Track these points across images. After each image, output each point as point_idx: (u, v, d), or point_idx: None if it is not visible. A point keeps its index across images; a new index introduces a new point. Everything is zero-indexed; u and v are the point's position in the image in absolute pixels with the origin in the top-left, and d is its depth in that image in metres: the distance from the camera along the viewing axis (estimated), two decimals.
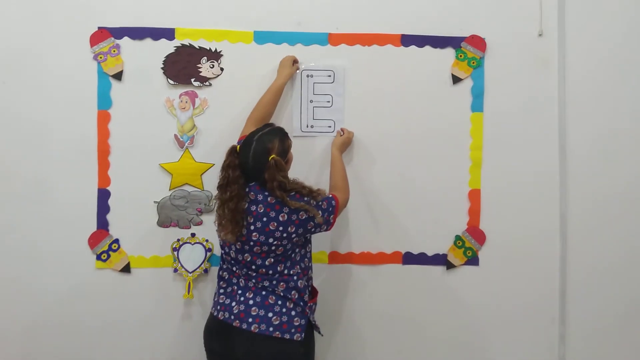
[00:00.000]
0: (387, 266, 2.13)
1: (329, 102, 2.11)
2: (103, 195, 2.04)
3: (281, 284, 1.67)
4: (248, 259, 1.67)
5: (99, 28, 2.04)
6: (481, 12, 2.12)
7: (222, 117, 2.07)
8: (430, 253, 2.13)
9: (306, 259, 1.79)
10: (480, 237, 2.13)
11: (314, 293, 1.83)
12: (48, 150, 2.04)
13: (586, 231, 2.14)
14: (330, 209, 1.73)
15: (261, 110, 1.96)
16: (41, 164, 2.04)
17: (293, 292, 1.68)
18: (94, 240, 2.04)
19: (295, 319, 1.66)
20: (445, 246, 2.13)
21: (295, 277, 1.69)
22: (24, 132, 2.03)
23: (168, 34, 2.06)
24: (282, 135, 1.74)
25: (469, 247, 2.13)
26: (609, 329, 2.16)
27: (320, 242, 2.10)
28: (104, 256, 2.04)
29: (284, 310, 1.66)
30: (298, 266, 1.72)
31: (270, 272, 1.67)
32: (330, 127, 2.10)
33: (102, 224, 2.04)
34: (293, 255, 1.72)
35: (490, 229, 2.13)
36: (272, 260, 1.67)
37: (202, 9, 2.07)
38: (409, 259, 2.13)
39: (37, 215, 2.04)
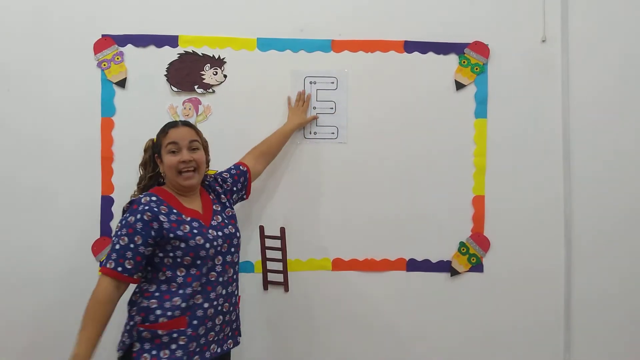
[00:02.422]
0: (391, 273, 2.12)
1: (332, 108, 2.11)
2: (106, 202, 2.04)
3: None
4: None
5: (103, 35, 2.05)
6: (484, 19, 2.13)
7: (226, 124, 2.07)
8: (434, 260, 2.12)
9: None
10: (484, 244, 2.12)
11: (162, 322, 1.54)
12: (51, 157, 2.04)
13: (591, 237, 2.13)
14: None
15: (265, 147, 1.97)
16: (45, 171, 2.04)
17: (128, 306, 1.59)
18: (97, 247, 2.04)
19: (125, 334, 1.56)
20: (450, 253, 2.13)
21: (135, 290, 1.61)
22: (28, 139, 2.03)
23: (171, 41, 2.06)
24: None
25: (473, 253, 2.12)
26: (614, 336, 2.14)
27: (324, 249, 2.09)
28: None
29: (125, 323, 1.58)
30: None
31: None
32: (333, 133, 2.10)
33: (106, 231, 2.04)
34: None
35: (495, 235, 2.12)
36: None
37: (205, 16, 2.08)
38: (413, 265, 2.12)
39: (40, 222, 2.03)
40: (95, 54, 2.04)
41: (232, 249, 1.66)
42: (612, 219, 2.13)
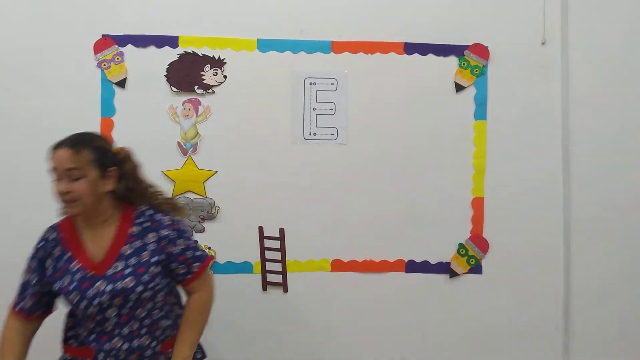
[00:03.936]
0: (390, 274, 2.12)
1: (331, 109, 2.11)
2: None
3: None
4: None
5: (103, 36, 2.05)
6: (484, 20, 2.13)
7: (225, 124, 2.07)
8: (433, 261, 2.13)
9: None
10: (483, 246, 2.13)
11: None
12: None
13: (590, 239, 2.13)
14: None
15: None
16: (44, 172, 2.03)
17: None
18: None
19: None
20: (449, 254, 2.13)
21: None
22: (28, 139, 2.03)
23: (171, 41, 2.06)
24: None
25: (472, 255, 2.12)
26: (613, 338, 2.15)
27: (323, 250, 2.10)
28: None
29: None
30: None
31: None
32: (333, 134, 2.10)
33: None
34: None
35: (494, 237, 2.13)
36: None
37: (205, 16, 2.08)
38: (412, 267, 2.12)
39: (40, 223, 2.02)
40: (95, 54, 2.05)
41: (130, 304, 1.39)
42: (610, 221, 2.13)
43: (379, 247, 2.11)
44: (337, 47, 2.11)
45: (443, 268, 2.13)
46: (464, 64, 2.12)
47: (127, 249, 1.42)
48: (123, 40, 2.06)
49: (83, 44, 2.04)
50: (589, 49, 2.14)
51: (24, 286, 1.46)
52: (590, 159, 2.13)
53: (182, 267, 1.48)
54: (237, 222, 2.06)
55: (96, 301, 1.37)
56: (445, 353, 2.13)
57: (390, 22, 2.12)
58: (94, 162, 1.40)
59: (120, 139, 2.03)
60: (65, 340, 1.50)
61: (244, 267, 2.07)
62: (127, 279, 1.39)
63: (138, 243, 1.43)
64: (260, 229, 2.08)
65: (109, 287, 1.37)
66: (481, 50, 2.12)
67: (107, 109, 2.05)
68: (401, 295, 2.12)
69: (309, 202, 2.09)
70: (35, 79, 2.03)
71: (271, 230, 2.08)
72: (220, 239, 2.07)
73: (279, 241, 2.08)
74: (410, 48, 2.12)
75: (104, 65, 2.05)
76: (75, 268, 1.40)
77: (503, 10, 2.14)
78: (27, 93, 2.03)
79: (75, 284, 1.38)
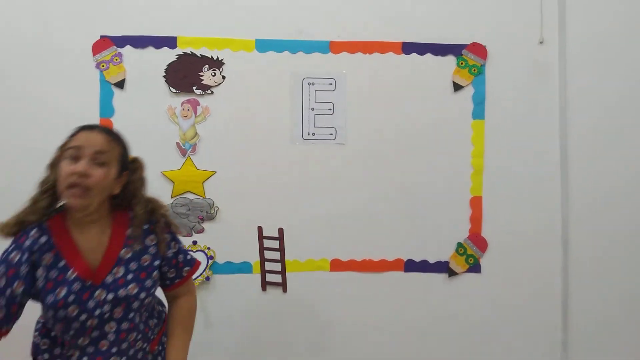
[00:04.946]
0: (389, 273, 2.13)
1: (330, 109, 2.11)
2: None
3: None
4: None
5: (102, 37, 2.05)
6: (482, 20, 2.13)
7: (224, 124, 2.07)
8: (432, 260, 2.13)
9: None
10: (482, 244, 2.13)
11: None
12: (50, 158, 2.03)
13: (588, 237, 2.14)
14: None
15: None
16: (44, 172, 2.04)
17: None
18: None
19: None
20: (447, 253, 2.13)
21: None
22: (26, 140, 2.03)
23: (170, 42, 2.07)
24: None
25: (471, 254, 2.13)
26: (610, 336, 2.15)
27: (322, 250, 2.10)
28: None
29: None
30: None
31: None
32: (331, 134, 2.11)
33: None
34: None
35: (492, 236, 2.13)
36: None
37: (204, 17, 2.08)
38: (411, 266, 2.13)
39: None
40: (93, 55, 2.05)
41: (132, 314, 1.29)
42: (609, 219, 2.14)
43: (377, 247, 2.12)
44: (335, 47, 2.11)
45: (442, 267, 2.13)
46: (462, 64, 2.12)
47: (125, 253, 1.29)
48: (122, 41, 2.06)
49: (82, 44, 2.04)
50: (587, 48, 2.14)
51: None
52: (588, 157, 2.14)
53: (172, 272, 1.40)
54: (236, 222, 2.06)
55: (97, 312, 1.23)
56: (444, 352, 2.14)
57: (388, 22, 2.12)
58: (119, 158, 1.30)
59: None
60: (34, 354, 1.32)
61: (243, 267, 2.08)
62: (130, 286, 1.27)
63: (137, 247, 1.31)
64: (260, 229, 2.08)
65: (110, 296, 1.25)
66: (479, 50, 2.12)
67: (106, 109, 2.05)
68: (400, 294, 2.12)
69: (308, 202, 2.10)
70: (34, 80, 2.04)
71: (270, 230, 2.08)
72: (220, 239, 2.07)
73: (278, 241, 2.09)
74: (408, 48, 2.12)
75: (103, 66, 2.05)
76: (72, 277, 1.22)
77: (501, 9, 2.14)
78: (26, 94, 2.03)
79: (74, 296, 1.21)
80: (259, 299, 2.09)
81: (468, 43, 2.12)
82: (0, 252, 1.25)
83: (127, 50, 2.06)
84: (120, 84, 2.05)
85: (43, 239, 1.24)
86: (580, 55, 2.14)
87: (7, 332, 1.22)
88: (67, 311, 1.21)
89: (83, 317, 1.22)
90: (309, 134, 2.11)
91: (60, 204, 1.30)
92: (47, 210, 1.28)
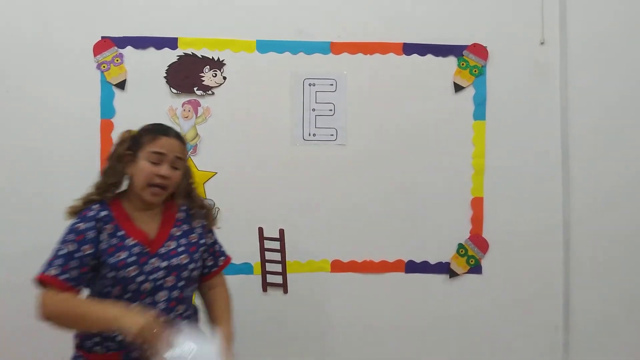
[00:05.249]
0: (389, 274, 2.12)
1: (331, 110, 2.11)
2: None
3: None
4: None
5: (102, 37, 2.05)
6: (483, 21, 2.13)
7: (225, 125, 2.07)
8: (432, 261, 2.13)
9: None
10: (483, 245, 2.13)
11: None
12: (51, 159, 2.04)
13: (589, 238, 2.14)
14: None
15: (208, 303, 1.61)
16: (44, 173, 2.04)
17: None
18: None
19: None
20: (448, 254, 2.13)
21: None
22: (27, 141, 2.03)
23: (171, 43, 2.07)
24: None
25: (472, 255, 2.12)
26: (611, 337, 2.15)
27: (323, 251, 2.10)
28: None
29: None
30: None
31: None
32: (332, 135, 2.11)
33: None
34: None
35: (493, 237, 2.13)
36: None
37: (204, 18, 2.08)
38: (412, 267, 2.12)
39: (39, 223, 2.03)
40: (94, 55, 2.05)
41: (181, 283, 1.43)
42: (611, 220, 2.14)
43: (378, 248, 2.12)
44: (336, 48, 2.11)
45: (443, 268, 2.13)
46: (462, 64, 2.12)
47: (175, 231, 1.47)
48: (122, 41, 2.06)
49: (82, 45, 2.04)
50: (588, 48, 2.14)
51: (68, 256, 1.32)
52: (589, 158, 2.14)
53: (210, 259, 1.57)
54: (237, 223, 2.06)
55: (152, 276, 1.37)
56: (445, 353, 2.14)
57: (389, 22, 2.12)
58: (185, 159, 1.50)
59: None
60: (90, 349, 1.38)
61: (244, 268, 2.07)
62: (182, 256, 1.43)
63: (185, 227, 1.50)
64: (260, 229, 2.08)
65: (164, 264, 1.40)
66: (480, 51, 2.12)
67: (107, 110, 2.05)
68: (401, 295, 2.12)
69: (309, 203, 2.10)
70: (35, 80, 2.04)
71: (271, 231, 2.08)
72: (220, 240, 2.06)
73: (278, 242, 2.08)
74: (409, 48, 2.12)
75: (104, 66, 2.05)
76: (131, 243, 1.38)
77: (502, 10, 2.14)
78: (26, 94, 2.03)
79: (133, 257, 1.36)
80: (259, 300, 2.09)
81: (469, 44, 2.12)
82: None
83: (128, 51, 2.06)
84: (121, 85, 2.05)
85: (105, 212, 1.40)
86: (581, 56, 2.14)
87: (78, 291, 1.35)
88: (126, 271, 1.35)
89: (140, 278, 1.36)
90: (309, 135, 2.11)
91: (118, 190, 1.47)
92: (108, 194, 1.45)
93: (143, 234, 1.41)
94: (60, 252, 1.34)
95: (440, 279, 2.13)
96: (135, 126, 2.01)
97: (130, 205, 1.44)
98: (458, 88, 2.12)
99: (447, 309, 2.13)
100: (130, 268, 1.35)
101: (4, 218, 2.03)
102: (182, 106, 2.07)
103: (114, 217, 1.40)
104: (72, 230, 1.37)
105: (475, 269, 2.13)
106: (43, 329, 1.95)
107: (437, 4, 2.13)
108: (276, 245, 2.08)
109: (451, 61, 2.13)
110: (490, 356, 2.14)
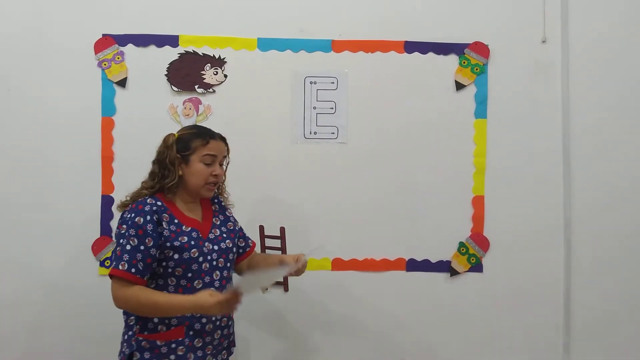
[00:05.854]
0: (390, 273, 2.12)
1: (332, 108, 2.11)
2: (107, 202, 2.04)
3: None
4: None
5: (103, 35, 2.05)
6: (484, 19, 2.13)
7: (226, 123, 2.05)
8: (433, 260, 2.13)
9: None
10: (484, 244, 2.13)
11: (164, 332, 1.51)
12: (52, 157, 2.04)
13: (590, 237, 2.13)
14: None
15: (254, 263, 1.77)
16: (45, 170, 2.05)
17: (124, 316, 1.56)
18: (97, 247, 2.04)
19: (124, 344, 1.55)
20: (449, 253, 2.13)
21: None
22: (29, 139, 2.03)
23: (172, 40, 2.07)
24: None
25: (473, 253, 2.12)
26: (612, 336, 2.14)
27: (324, 249, 2.09)
28: (108, 262, 2.04)
29: (123, 332, 1.58)
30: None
31: None
32: (333, 133, 2.11)
33: (106, 230, 2.04)
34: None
35: (494, 235, 2.13)
36: None
37: (205, 16, 2.08)
38: (413, 265, 2.12)
39: (40, 222, 2.04)
40: (95, 53, 2.05)
41: (229, 264, 1.62)
42: (612, 219, 2.13)
43: (379, 246, 2.12)
44: (337, 46, 2.11)
45: (444, 267, 2.13)
46: (464, 63, 2.12)
47: (216, 220, 1.65)
48: (123, 39, 2.06)
49: (83, 43, 2.04)
50: (589, 47, 2.14)
51: (133, 250, 1.44)
52: (590, 156, 2.14)
53: (241, 241, 1.76)
54: (237, 220, 2.06)
55: (209, 257, 1.54)
56: (445, 352, 2.14)
57: (390, 20, 2.12)
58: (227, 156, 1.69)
59: (121, 139, 2.05)
60: (154, 328, 1.50)
61: None
62: (227, 241, 1.62)
63: (221, 217, 1.68)
64: (261, 227, 2.08)
65: (216, 247, 1.57)
66: (481, 49, 2.12)
67: (108, 108, 2.05)
68: (402, 293, 2.12)
69: (310, 201, 2.10)
70: (35, 79, 2.04)
71: (272, 229, 2.08)
72: None
73: (279, 240, 2.08)
74: (411, 47, 2.12)
75: (105, 64, 2.05)
76: (189, 229, 1.54)
77: (503, 8, 2.14)
78: (27, 93, 2.04)
79: (194, 241, 1.52)
80: (260, 298, 2.08)
81: (470, 42, 2.12)
82: None
83: (129, 48, 2.06)
84: (122, 83, 2.05)
85: (159, 203, 1.53)
86: (583, 55, 2.13)
87: (145, 282, 1.48)
88: (190, 253, 1.50)
89: (201, 259, 1.52)
90: (310, 133, 2.11)
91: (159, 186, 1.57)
92: (155, 190, 1.57)
93: (196, 221, 1.58)
94: (127, 247, 1.45)
95: (441, 277, 2.13)
96: (137, 124, 2.04)
97: (177, 198, 1.59)
98: (459, 86, 2.12)
99: (447, 307, 2.13)
100: (193, 250, 1.50)
101: (5, 214, 2.03)
102: (183, 104, 2.07)
103: (167, 207, 1.54)
104: (132, 225, 1.47)
105: (476, 267, 2.13)
106: (44, 329, 1.96)
107: (439, 2, 2.13)
108: (277, 243, 2.08)
109: (452, 59, 2.12)
110: (491, 355, 2.14)
